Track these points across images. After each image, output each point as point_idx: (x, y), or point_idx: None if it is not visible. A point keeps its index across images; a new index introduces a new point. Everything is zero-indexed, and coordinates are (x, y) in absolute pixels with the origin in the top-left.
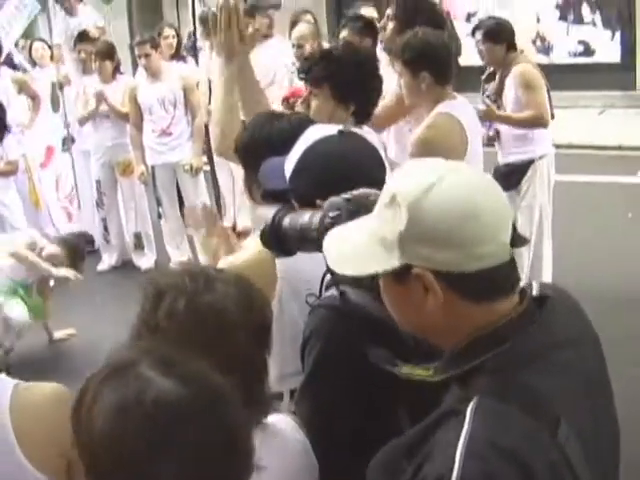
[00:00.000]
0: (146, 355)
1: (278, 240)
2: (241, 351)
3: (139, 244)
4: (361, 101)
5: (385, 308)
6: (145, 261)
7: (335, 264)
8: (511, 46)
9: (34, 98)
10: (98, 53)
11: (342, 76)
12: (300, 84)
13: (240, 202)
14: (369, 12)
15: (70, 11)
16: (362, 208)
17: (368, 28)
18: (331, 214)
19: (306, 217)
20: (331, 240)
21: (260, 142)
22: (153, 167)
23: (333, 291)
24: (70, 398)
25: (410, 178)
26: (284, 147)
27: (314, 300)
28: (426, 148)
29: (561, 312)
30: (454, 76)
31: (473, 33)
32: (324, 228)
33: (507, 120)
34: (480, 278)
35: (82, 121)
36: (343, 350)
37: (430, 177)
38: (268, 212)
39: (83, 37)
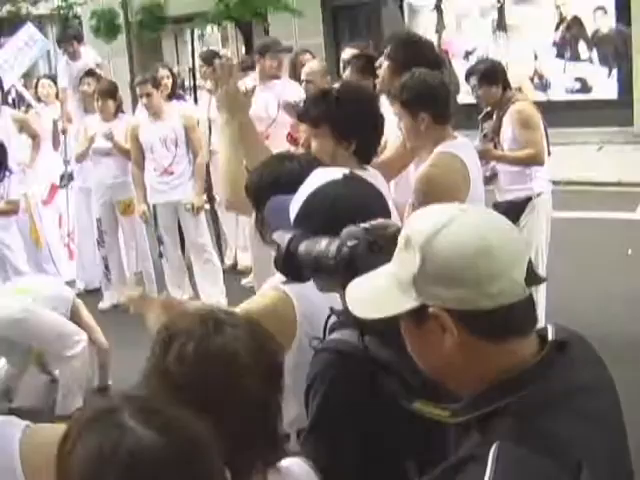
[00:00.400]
0: (128, 402)
1: (292, 266)
2: (252, 395)
3: (140, 283)
4: (361, 139)
5: (392, 352)
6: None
7: (356, 308)
8: (506, 85)
9: (34, 137)
10: (101, 92)
11: (340, 115)
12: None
13: (243, 242)
14: (349, 52)
15: (73, 56)
16: (380, 238)
17: (370, 66)
18: (349, 243)
19: (323, 244)
20: (352, 287)
21: (269, 182)
22: (155, 206)
23: (336, 334)
24: None
25: (423, 220)
26: (293, 188)
27: (318, 344)
28: (430, 186)
29: (579, 357)
30: (453, 115)
31: (467, 79)
32: (341, 257)
33: (504, 159)
34: (495, 316)
35: (79, 158)
36: (347, 395)
37: (441, 218)
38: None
39: (89, 72)
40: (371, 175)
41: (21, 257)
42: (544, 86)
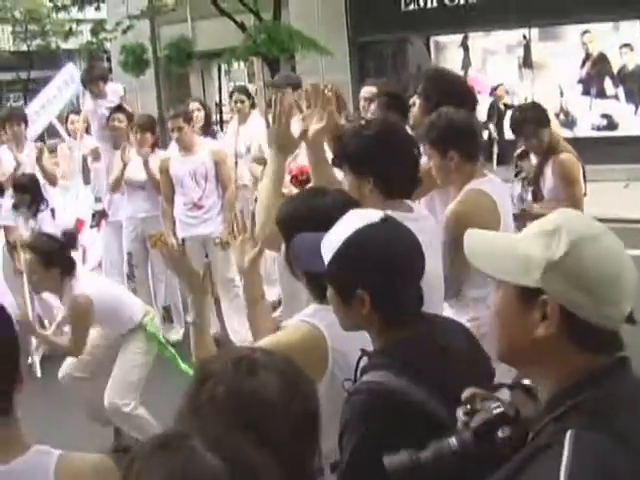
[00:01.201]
0: (193, 432)
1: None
2: (282, 440)
3: (168, 317)
4: (379, 175)
5: (424, 391)
6: (174, 333)
7: (474, 256)
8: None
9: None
10: (140, 125)
11: (353, 151)
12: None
13: (268, 276)
14: (369, 90)
15: (99, 95)
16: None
17: (394, 102)
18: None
19: (420, 454)
20: (477, 235)
21: (302, 215)
22: (183, 240)
23: (369, 376)
24: (113, 470)
25: (580, 220)
26: (325, 223)
27: (350, 386)
28: (460, 222)
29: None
30: (481, 151)
31: (514, 127)
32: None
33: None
34: (595, 333)
35: (114, 185)
36: (382, 436)
37: (597, 228)
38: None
39: (119, 108)
40: (415, 218)
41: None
42: (570, 123)
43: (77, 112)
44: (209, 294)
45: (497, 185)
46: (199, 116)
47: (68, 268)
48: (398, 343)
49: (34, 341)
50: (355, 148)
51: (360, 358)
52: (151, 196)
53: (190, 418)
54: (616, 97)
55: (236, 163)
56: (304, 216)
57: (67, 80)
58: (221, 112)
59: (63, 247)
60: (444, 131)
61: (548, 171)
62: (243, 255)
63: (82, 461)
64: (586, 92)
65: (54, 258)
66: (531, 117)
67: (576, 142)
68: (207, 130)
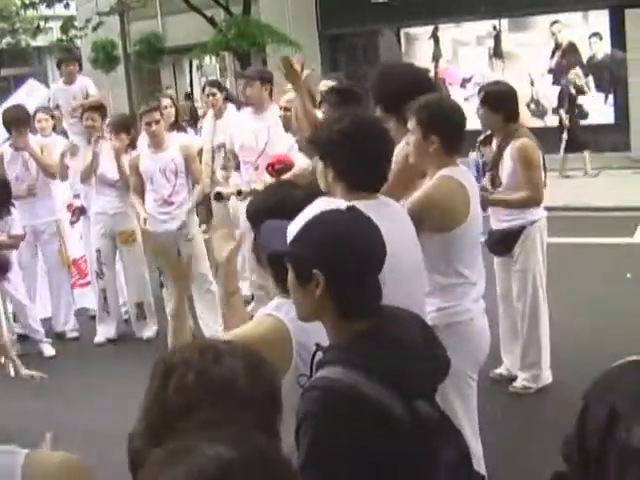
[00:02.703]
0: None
1: None
2: (252, 424)
3: (141, 314)
4: (342, 169)
5: (378, 386)
6: (147, 331)
7: None
8: (511, 117)
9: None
10: (114, 126)
11: (322, 144)
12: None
13: (242, 271)
14: (326, 84)
15: (71, 78)
16: None
17: (344, 97)
18: None
19: None
20: None
21: (272, 207)
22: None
23: (323, 371)
24: (82, 469)
25: None
26: (295, 214)
27: (305, 381)
28: (430, 205)
29: None
30: (460, 147)
31: (479, 93)
32: None
33: (503, 204)
34: None
35: (83, 175)
36: (337, 432)
37: None
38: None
39: (95, 107)
40: (385, 203)
41: (20, 288)
42: (541, 112)
43: (45, 110)
44: (190, 284)
45: (467, 174)
46: (171, 112)
47: None
48: (353, 337)
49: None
50: (323, 140)
51: (315, 353)
52: (122, 193)
53: (158, 413)
54: (586, 86)
55: (213, 158)
56: (273, 208)
57: (29, 92)
58: (193, 106)
59: None
60: (434, 115)
61: (507, 156)
62: (221, 248)
63: (50, 460)
64: (556, 82)
65: None
66: (488, 90)
67: (547, 131)
68: (177, 126)
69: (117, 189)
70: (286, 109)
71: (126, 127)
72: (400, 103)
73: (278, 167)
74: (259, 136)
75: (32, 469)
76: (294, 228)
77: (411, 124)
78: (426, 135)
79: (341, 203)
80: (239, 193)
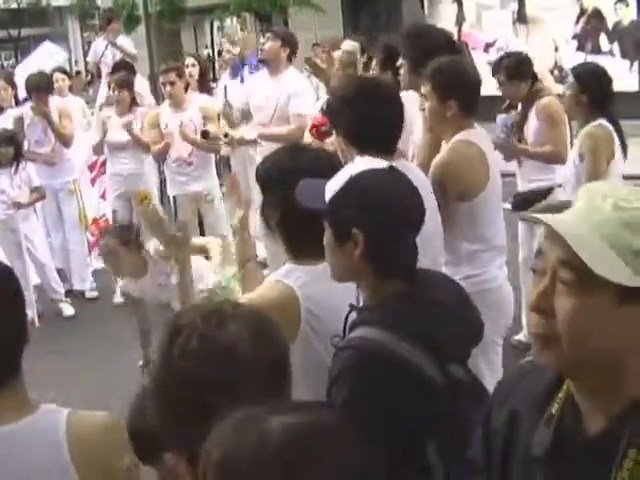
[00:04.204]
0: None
1: None
2: (257, 390)
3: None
4: (347, 134)
5: (411, 347)
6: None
7: (574, 241)
8: (533, 78)
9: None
10: (117, 82)
11: (328, 109)
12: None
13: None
14: (351, 46)
15: (115, 33)
16: None
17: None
18: None
19: None
20: (570, 219)
21: (285, 171)
22: (175, 197)
23: (358, 332)
24: (122, 428)
25: None
26: (306, 176)
27: (339, 340)
28: (449, 170)
29: None
30: (477, 108)
31: (494, 74)
32: None
33: (526, 154)
34: None
35: (96, 150)
36: (370, 392)
37: None
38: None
39: (124, 65)
40: (410, 168)
41: (41, 248)
42: (564, 78)
43: (63, 71)
44: (189, 253)
45: (485, 137)
46: (193, 72)
47: None
48: (388, 298)
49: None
50: (330, 108)
51: (349, 313)
52: (135, 155)
53: (164, 372)
54: (611, 53)
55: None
56: (287, 171)
57: (46, 53)
58: (214, 67)
59: None
60: (450, 79)
61: (532, 117)
62: (233, 215)
63: (92, 419)
64: (581, 47)
65: None
66: (505, 66)
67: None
68: (204, 85)
69: (129, 151)
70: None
71: (127, 84)
72: (429, 62)
73: (324, 129)
74: (273, 98)
75: (74, 426)
76: (333, 187)
77: (425, 89)
78: (443, 99)
79: (382, 163)
80: (225, 135)
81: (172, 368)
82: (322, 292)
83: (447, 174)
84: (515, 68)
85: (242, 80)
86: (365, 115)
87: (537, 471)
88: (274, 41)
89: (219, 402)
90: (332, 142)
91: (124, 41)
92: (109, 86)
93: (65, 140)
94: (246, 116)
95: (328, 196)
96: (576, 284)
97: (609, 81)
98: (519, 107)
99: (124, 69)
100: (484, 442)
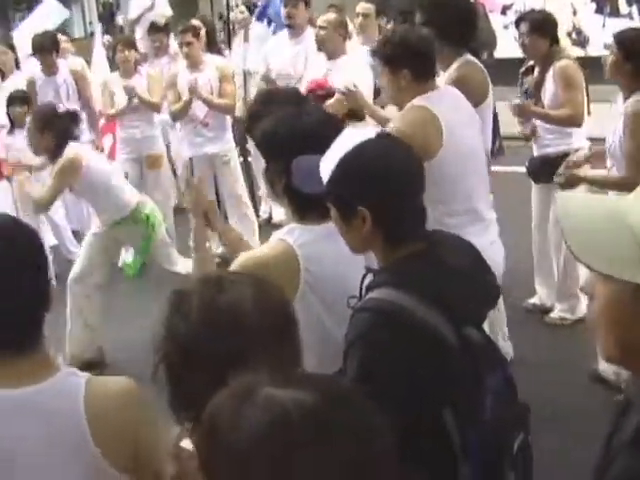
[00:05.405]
0: (262, 376)
1: None
2: (262, 354)
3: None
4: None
5: (429, 309)
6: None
7: (579, 249)
8: (554, 40)
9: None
10: (123, 42)
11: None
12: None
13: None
14: (366, 8)
15: None
16: None
17: None
18: None
19: None
20: (576, 219)
21: (285, 136)
22: (191, 159)
23: (374, 293)
24: (139, 394)
25: None
26: (310, 143)
27: (355, 302)
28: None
29: None
30: (434, 71)
31: (517, 25)
32: None
33: (542, 116)
34: None
35: (109, 119)
36: (389, 354)
37: None
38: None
39: (158, 28)
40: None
41: (56, 209)
42: (582, 42)
43: (64, 33)
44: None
45: (444, 97)
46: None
47: (62, 135)
48: (403, 260)
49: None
50: (391, 50)
51: (364, 275)
52: (145, 117)
53: (169, 343)
54: (630, 16)
55: (245, 81)
56: (287, 136)
57: (47, 12)
58: (229, 29)
59: (59, 115)
60: (398, 49)
61: (549, 78)
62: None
63: (111, 383)
64: (599, 10)
65: (48, 123)
66: (531, 18)
67: (588, 61)
68: (212, 48)
69: (139, 114)
70: (321, 27)
71: (134, 44)
72: (458, 30)
73: (320, 93)
74: (297, 61)
75: (93, 390)
76: (328, 165)
77: (379, 65)
78: (395, 71)
79: (371, 131)
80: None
81: (175, 338)
82: (323, 252)
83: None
84: (538, 22)
85: (269, 22)
86: (423, 53)
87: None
88: (297, 6)
89: (226, 370)
90: (331, 104)
91: (160, 1)
92: (113, 48)
93: (156, 108)
94: (267, 80)
95: (324, 174)
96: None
97: None
98: (535, 71)
99: (163, 31)
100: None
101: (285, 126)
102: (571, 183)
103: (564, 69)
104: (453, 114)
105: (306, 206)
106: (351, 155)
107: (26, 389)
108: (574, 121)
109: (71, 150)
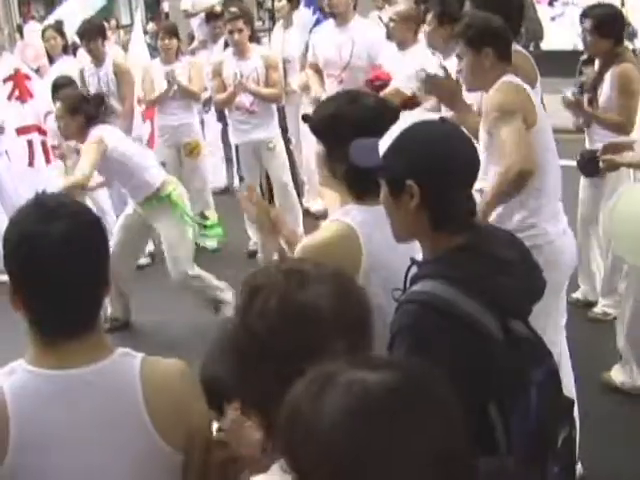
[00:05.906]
0: (340, 363)
1: None
2: (334, 353)
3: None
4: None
5: (474, 302)
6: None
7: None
8: (619, 40)
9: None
10: (165, 30)
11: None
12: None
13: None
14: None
15: None
16: None
17: None
18: None
19: None
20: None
21: (344, 120)
22: (237, 146)
23: (419, 286)
24: (193, 375)
25: None
26: (368, 128)
27: (400, 294)
28: (503, 110)
29: None
30: (511, 55)
31: (581, 19)
32: None
33: (592, 117)
34: None
35: (149, 105)
36: (433, 347)
37: None
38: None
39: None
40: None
41: (104, 198)
42: (631, 34)
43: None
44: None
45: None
46: None
47: (92, 117)
48: (449, 252)
49: None
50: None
51: (410, 267)
52: (184, 104)
53: (243, 334)
54: None
55: (284, 69)
56: (346, 120)
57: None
58: (273, 17)
59: (86, 99)
60: (481, 29)
61: (607, 80)
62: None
63: (166, 364)
64: None
65: (78, 106)
66: (596, 15)
67: (637, 54)
68: (251, 37)
69: (178, 101)
70: (390, 19)
71: (176, 32)
72: (507, 20)
73: (378, 83)
74: (343, 49)
75: (148, 370)
76: (386, 142)
77: (459, 49)
78: (478, 50)
79: (434, 116)
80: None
81: (250, 329)
82: (381, 232)
83: (504, 113)
84: (601, 21)
85: (314, 11)
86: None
87: None
88: None
89: (299, 366)
90: (390, 93)
91: None
92: (156, 35)
93: (196, 97)
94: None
95: (382, 149)
96: None
97: None
98: (596, 63)
99: (219, 19)
100: None
101: (343, 111)
102: (610, 168)
103: (622, 74)
104: (536, 97)
105: (365, 188)
106: (410, 130)
107: (85, 368)
108: (623, 129)
109: (96, 130)
